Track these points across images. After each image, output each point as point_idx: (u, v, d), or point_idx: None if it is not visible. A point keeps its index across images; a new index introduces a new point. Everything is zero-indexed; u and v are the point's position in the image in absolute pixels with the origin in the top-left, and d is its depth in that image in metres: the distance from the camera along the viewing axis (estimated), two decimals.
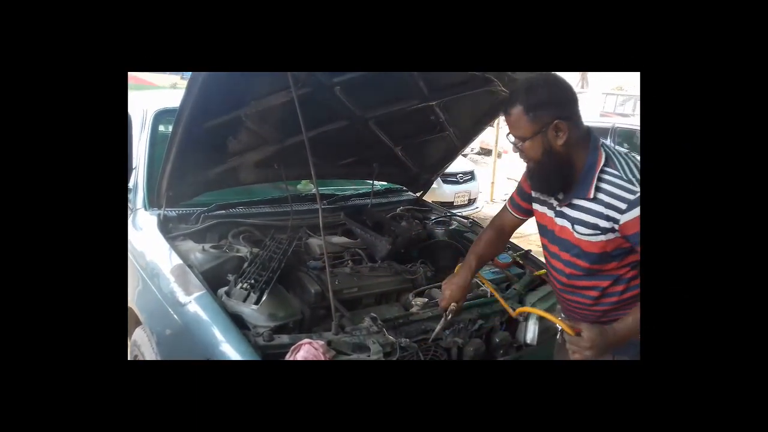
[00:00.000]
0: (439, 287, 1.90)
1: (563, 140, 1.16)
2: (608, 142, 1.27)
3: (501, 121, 8.40)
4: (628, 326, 1.15)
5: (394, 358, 1.46)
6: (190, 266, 1.61)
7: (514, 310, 1.54)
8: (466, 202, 5.75)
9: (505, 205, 1.51)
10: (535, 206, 1.36)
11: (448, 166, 2.73)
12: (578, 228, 1.22)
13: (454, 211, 2.87)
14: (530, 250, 2.22)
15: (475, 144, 10.69)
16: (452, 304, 1.48)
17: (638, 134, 6.99)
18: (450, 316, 1.50)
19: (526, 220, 1.48)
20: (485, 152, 11.06)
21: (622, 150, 1.25)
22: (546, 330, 1.80)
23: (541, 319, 1.77)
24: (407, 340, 1.51)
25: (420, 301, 1.75)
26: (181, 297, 1.50)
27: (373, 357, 1.41)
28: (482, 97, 2.18)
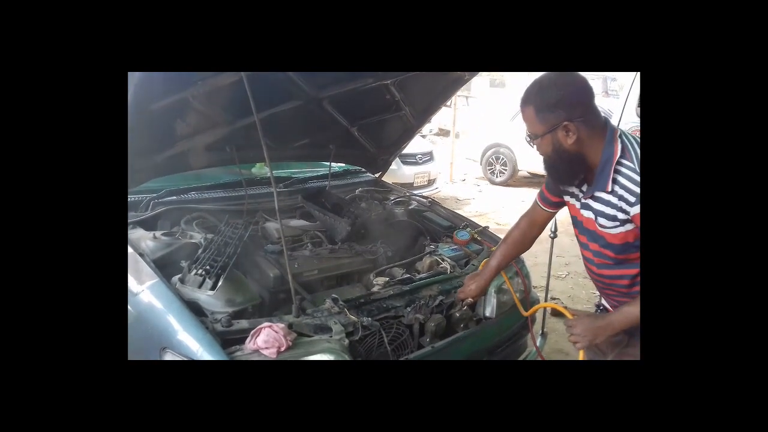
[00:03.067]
0: (400, 266, 1.93)
1: (573, 140, 1.19)
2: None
3: (457, 100, 8.46)
4: (623, 315, 1.22)
5: (357, 338, 1.46)
6: (141, 254, 1.55)
7: (526, 310, 1.63)
8: (426, 183, 5.78)
9: (535, 200, 1.53)
10: (566, 197, 1.40)
11: (405, 146, 2.72)
12: (600, 220, 1.26)
13: (414, 192, 2.87)
14: (487, 227, 2.26)
15: (434, 125, 10.73)
16: (468, 299, 1.63)
17: None
18: (464, 308, 1.74)
19: (555, 213, 1.52)
20: (443, 133, 11.15)
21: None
22: (503, 304, 1.85)
23: (498, 292, 1.83)
24: (369, 318, 1.51)
25: (381, 280, 1.76)
26: (134, 286, 1.44)
27: (336, 337, 1.40)
28: (437, 75, 2.18)
